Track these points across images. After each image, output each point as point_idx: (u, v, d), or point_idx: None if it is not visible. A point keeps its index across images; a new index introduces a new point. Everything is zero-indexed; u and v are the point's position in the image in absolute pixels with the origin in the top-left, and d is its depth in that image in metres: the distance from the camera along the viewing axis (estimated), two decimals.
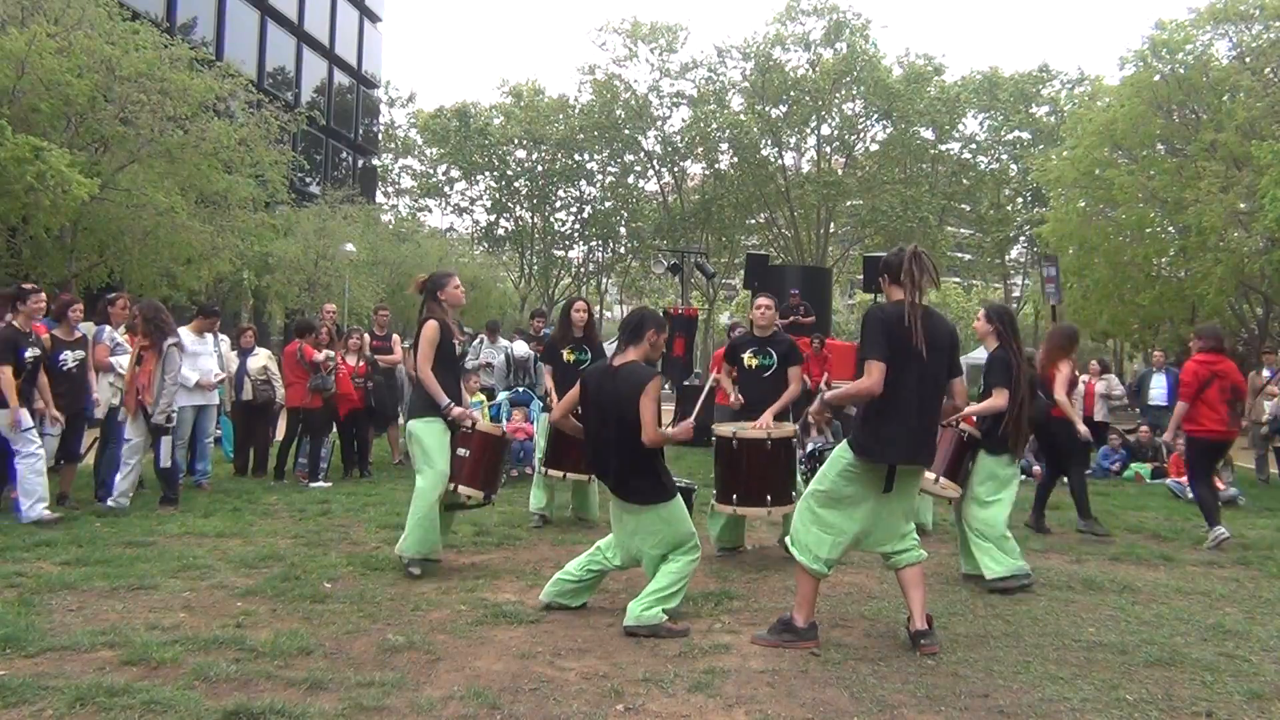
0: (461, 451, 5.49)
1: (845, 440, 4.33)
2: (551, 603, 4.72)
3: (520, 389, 10.31)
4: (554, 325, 8.22)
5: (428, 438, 5.43)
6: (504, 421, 9.78)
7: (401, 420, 11.21)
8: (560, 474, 6.85)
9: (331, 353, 9.28)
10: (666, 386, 19.05)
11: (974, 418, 5.49)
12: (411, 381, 6.29)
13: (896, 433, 4.10)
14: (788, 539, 4.37)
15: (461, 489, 5.50)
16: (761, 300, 6.47)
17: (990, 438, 5.53)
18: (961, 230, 39.45)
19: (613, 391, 4.49)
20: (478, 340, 10.99)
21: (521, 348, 10.73)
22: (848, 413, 9.70)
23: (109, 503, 7.24)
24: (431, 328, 5.50)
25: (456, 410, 5.46)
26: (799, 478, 6.09)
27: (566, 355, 7.20)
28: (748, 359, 6.29)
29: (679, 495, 4.58)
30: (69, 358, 7.26)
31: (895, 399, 4.09)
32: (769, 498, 5.70)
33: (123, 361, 7.73)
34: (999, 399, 5.34)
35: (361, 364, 9.78)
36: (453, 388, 5.55)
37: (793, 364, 6.31)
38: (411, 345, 5.73)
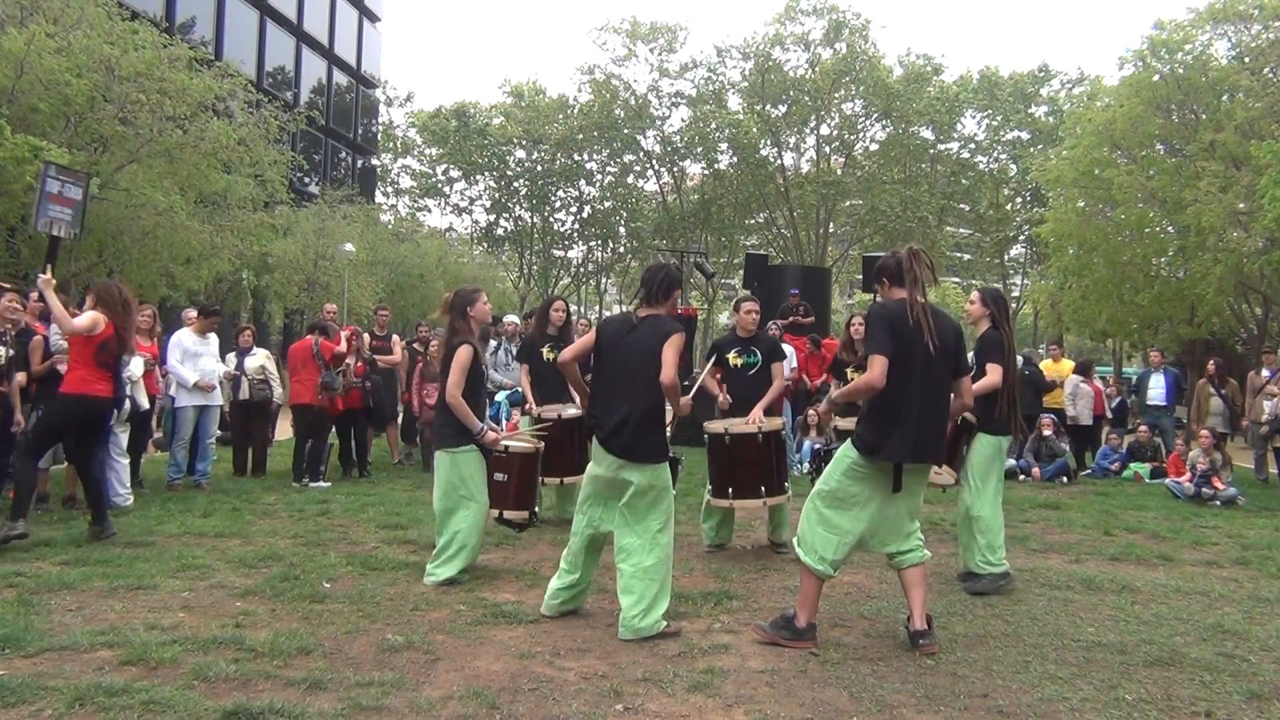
0: (500, 476, 5.41)
1: (849, 439, 4.31)
2: (554, 614, 4.62)
3: (519, 389, 10.28)
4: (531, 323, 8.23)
5: (467, 468, 5.29)
6: (503, 422, 9.77)
7: (400, 420, 11.21)
8: (558, 480, 6.86)
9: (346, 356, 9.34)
10: None
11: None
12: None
13: (903, 431, 4.08)
14: (794, 539, 4.36)
15: (508, 514, 5.52)
16: (748, 304, 6.56)
17: (987, 419, 5.50)
18: (961, 230, 39.42)
19: (635, 343, 4.39)
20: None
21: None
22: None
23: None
24: (466, 353, 5.31)
25: (490, 435, 5.37)
26: (807, 478, 6.14)
27: (546, 354, 7.28)
28: (732, 358, 6.39)
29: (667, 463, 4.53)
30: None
31: (901, 396, 4.08)
32: (763, 489, 5.95)
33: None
34: (994, 375, 5.33)
35: (360, 364, 9.77)
36: (479, 409, 5.48)
37: (776, 360, 6.41)
38: (441, 365, 5.48)
